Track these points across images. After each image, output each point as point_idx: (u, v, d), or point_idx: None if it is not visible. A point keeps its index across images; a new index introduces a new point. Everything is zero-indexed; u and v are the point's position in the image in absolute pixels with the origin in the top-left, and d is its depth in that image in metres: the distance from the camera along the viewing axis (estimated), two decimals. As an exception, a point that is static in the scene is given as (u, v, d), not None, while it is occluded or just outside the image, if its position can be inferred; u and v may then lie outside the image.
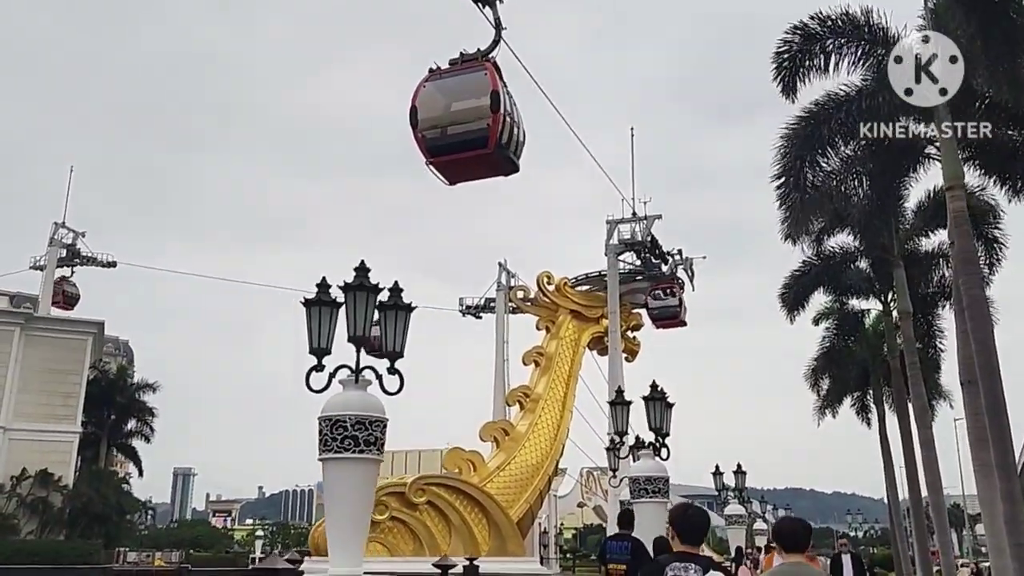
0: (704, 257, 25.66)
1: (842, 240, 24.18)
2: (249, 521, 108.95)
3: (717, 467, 27.56)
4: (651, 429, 15.19)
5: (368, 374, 9.73)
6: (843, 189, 17.88)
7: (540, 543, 30.98)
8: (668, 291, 25.63)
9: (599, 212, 25.60)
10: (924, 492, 24.73)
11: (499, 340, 29.09)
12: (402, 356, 9.84)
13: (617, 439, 16.21)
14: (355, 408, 9.55)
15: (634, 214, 24.08)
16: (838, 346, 29.26)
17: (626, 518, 9.38)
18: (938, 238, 24.09)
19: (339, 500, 9.79)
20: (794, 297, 25.06)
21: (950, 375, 29.85)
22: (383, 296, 10.01)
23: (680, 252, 24.87)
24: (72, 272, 38.76)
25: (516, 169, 12.43)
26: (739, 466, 27.68)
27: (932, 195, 21.15)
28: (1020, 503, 12.45)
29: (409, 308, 10.07)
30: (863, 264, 25.68)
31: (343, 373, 9.69)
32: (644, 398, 15.31)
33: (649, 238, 24.36)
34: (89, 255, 38.14)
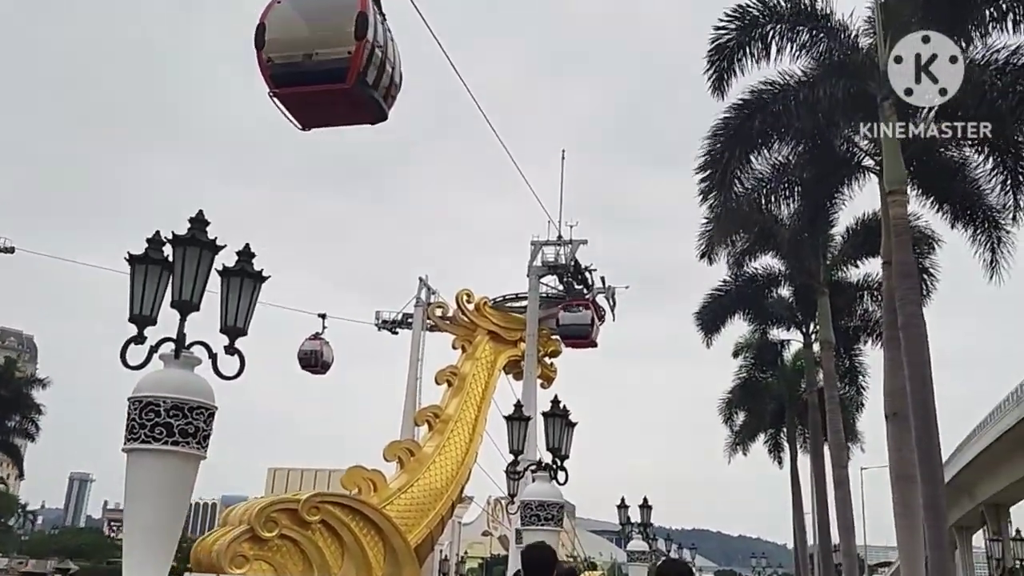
0: (627, 287, 25.33)
1: (766, 263, 23.91)
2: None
3: (623, 500, 26.52)
4: (549, 449, 14.41)
5: (199, 352, 8.14)
6: (771, 201, 17.25)
7: (440, 571, 30.22)
8: (581, 308, 24.77)
9: (527, 240, 24.78)
10: (834, 537, 24.54)
11: (414, 357, 28.33)
12: (244, 334, 8.24)
13: (513, 459, 15.42)
14: (172, 389, 7.86)
15: (559, 237, 23.68)
16: (755, 378, 28.88)
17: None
18: (864, 269, 24.12)
19: (142, 503, 8.02)
20: (712, 318, 24.58)
21: (865, 417, 30.00)
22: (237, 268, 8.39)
23: (603, 279, 24.58)
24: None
25: (384, 116, 10.28)
26: (645, 500, 26.72)
27: (862, 221, 20.98)
28: (948, 550, 11.75)
29: (259, 277, 8.42)
30: (785, 292, 25.45)
31: (168, 347, 8.02)
32: (544, 414, 14.50)
33: (573, 262, 23.87)
34: (-21, 238, 35.78)
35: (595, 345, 25.36)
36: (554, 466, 14.39)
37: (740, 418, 33.27)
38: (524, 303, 23.19)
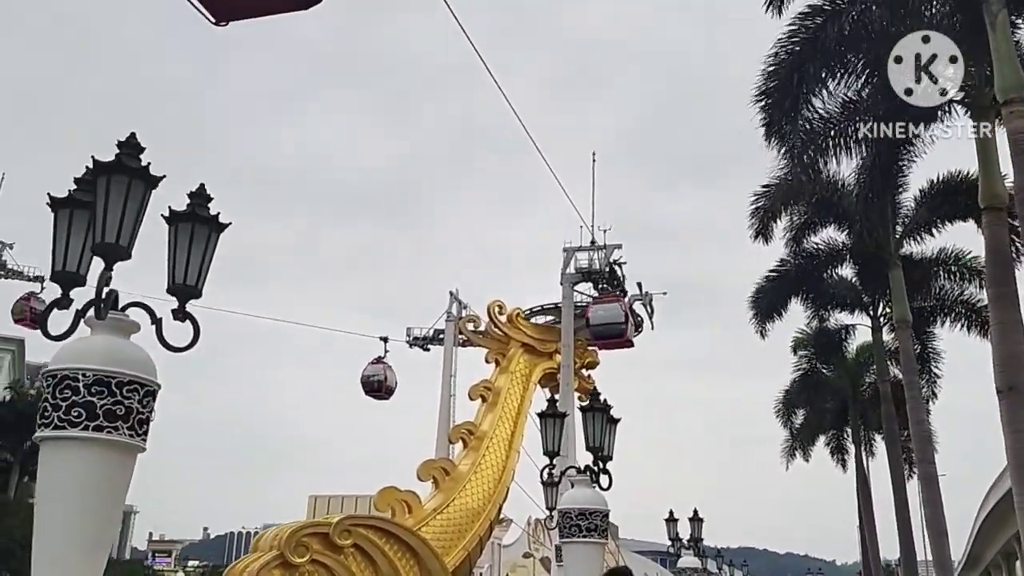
0: (665, 293, 24.10)
1: (827, 237, 21.92)
2: (194, 563, 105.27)
3: (671, 513, 24.67)
4: (589, 449, 12.62)
5: (139, 317, 6.41)
6: (837, 151, 15.48)
7: (480, 595, 29.45)
8: (613, 303, 23.09)
9: (557, 256, 23.63)
10: (923, 546, 22.27)
11: (446, 373, 27.73)
12: (197, 295, 6.61)
13: (549, 462, 13.78)
14: (97, 360, 6.09)
15: (592, 242, 22.84)
16: (816, 372, 26.83)
17: (622, 574, 9.55)
18: (937, 242, 21.75)
19: (54, 506, 6.05)
20: (768, 303, 22.63)
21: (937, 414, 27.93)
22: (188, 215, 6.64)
23: (640, 285, 23.55)
24: (42, 288, 35.19)
25: None
26: (695, 513, 24.85)
27: (940, 181, 19.27)
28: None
29: (217, 224, 6.76)
30: (848, 272, 23.41)
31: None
32: (582, 408, 12.90)
33: (607, 268, 22.94)
34: (16, 268, 35.54)
35: (631, 345, 23.66)
36: (596, 468, 12.63)
37: (799, 418, 31.15)
38: (559, 314, 22.35)
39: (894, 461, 24.04)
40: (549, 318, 22.70)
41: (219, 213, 6.87)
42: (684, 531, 23.81)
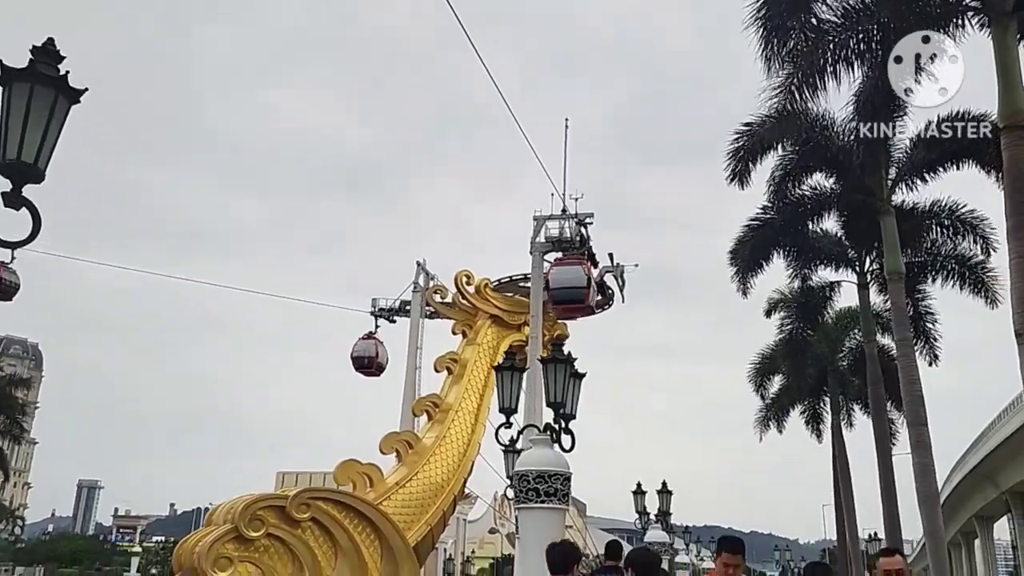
0: (636, 266, 23.30)
1: (816, 183, 20.07)
2: (158, 539, 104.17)
3: (639, 485, 23.89)
4: (550, 405, 11.32)
5: None
6: (832, 69, 14.50)
7: (444, 571, 28.95)
8: (574, 264, 21.11)
9: (527, 239, 22.32)
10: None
11: (412, 345, 27.13)
12: (38, 178, 5.41)
13: (505, 420, 11.99)
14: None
15: (564, 211, 22.06)
16: (797, 335, 25.52)
17: (613, 549, 8.79)
18: (931, 192, 20.07)
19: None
20: (750, 255, 21.23)
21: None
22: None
23: (611, 256, 22.81)
24: (12, 258, 33.43)
25: None
26: (664, 485, 23.93)
27: (940, 119, 18.00)
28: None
29: (66, 87, 5.41)
30: (832, 225, 21.75)
31: None
32: (543, 360, 11.57)
33: (579, 237, 22.16)
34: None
35: (591, 311, 22.24)
36: (557, 427, 11.28)
37: (774, 387, 29.96)
38: (528, 285, 21.65)
39: (880, 426, 22.53)
40: (521, 285, 22.07)
41: (68, 73, 5.43)
42: (652, 506, 23.43)
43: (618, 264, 22.19)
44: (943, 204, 20.20)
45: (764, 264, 21.50)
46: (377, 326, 29.80)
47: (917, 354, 20.79)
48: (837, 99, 18.90)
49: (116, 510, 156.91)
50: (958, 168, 18.49)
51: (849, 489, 28.70)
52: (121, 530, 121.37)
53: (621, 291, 22.52)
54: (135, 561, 37.28)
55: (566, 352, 11.77)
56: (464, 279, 20.43)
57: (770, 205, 20.16)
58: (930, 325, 23.11)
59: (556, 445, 11.22)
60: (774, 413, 30.42)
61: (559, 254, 22.15)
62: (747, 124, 17.55)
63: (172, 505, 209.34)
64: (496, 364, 13.12)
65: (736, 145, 17.62)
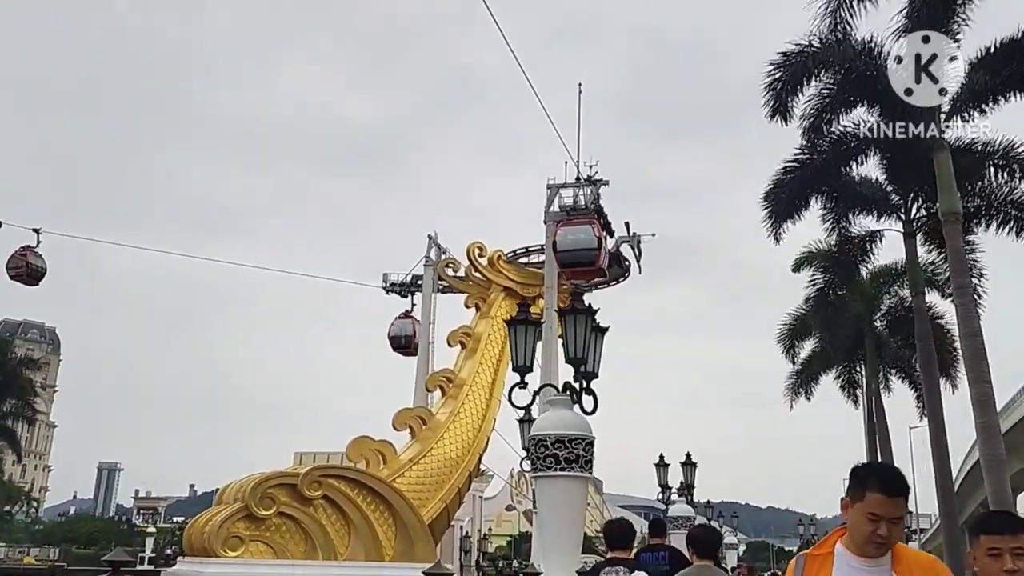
0: (654, 235, 22.60)
1: (857, 118, 18.39)
2: (179, 519, 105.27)
3: (661, 457, 22.37)
4: (569, 361, 10.16)
5: None
6: None
7: (461, 548, 28.71)
8: (584, 224, 19.84)
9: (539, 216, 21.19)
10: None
11: (425, 321, 26.75)
12: None
13: (519, 381, 10.78)
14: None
15: (578, 178, 21.38)
16: (830, 292, 24.02)
17: (657, 527, 8.46)
18: (988, 126, 17.98)
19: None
20: (786, 199, 19.82)
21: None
22: None
23: (628, 225, 22.09)
24: (38, 242, 32.89)
25: None
26: (688, 457, 22.38)
27: (999, 44, 16.75)
28: None
29: None
30: (872, 170, 19.42)
31: None
32: (561, 312, 10.53)
33: (594, 205, 21.42)
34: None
35: (603, 274, 20.94)
36: (576, 386, 10.13)
37: (806, 348, 28.34)
38: (543, 258, 21.07)
39: (931, 387, 20.51)
40: (533, 259, 21.50)
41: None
42: (673, 480, 22.75)
43: (634, 234, 21.46)
44: (996, 144, 18.50)
45: (802, 209, 19.80)
46: (413, 304, 29.08)
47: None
48: (883, 21, 17.22)
49: (137, 492, 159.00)
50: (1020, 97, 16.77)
51: (890, 458, 27.26)
52: (142, 511, 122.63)
53: (638, 261, 21.86)
54: (150, 541, 37.31)
55: (587, 304, 10.78)
56: (477, 251, 19.92)
57: (808, 144, 18.45)
58: (976, 280, 20.63)
59: (576, 406, 10.08)
60: (804, 380, 29.04)
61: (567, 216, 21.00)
62: (784, 54, 16.37)
63: (192, 486, 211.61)
64: (509, 319, 11.68)
65: (774, 77, 16.52)
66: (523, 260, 21.57)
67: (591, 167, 21.09)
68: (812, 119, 17.75)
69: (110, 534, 42.18)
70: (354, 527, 15.04)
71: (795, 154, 18.56)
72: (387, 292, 29.34)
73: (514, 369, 10.97)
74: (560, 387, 10.56)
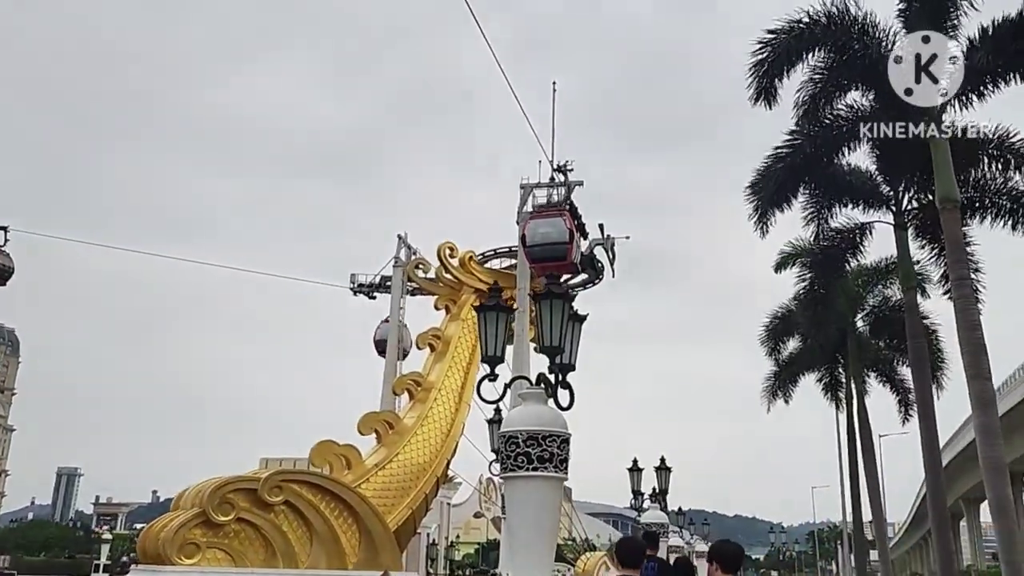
0: (628, 238, 22.30)
1: (852, 101, 17.58)
2: (140, 525, 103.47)
3: (635, 462, 21.54)
4: (544, 350, 9.28)
5: None
6: None
7: (428, 556, 28.17)
8: (555, 217, 18.84)
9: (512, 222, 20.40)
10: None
11: (393, 323, 26.20)
12: None
13: (489, 373, 9.98)
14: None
15: (552, 179, 20.94)
16: (817, 289, 21.52)
17: (651, 538, 8.62)
18: (986, 111, 17.17)
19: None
20: (774, 189, 17.74)
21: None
22: None
23: (602, 227, 21.68)
24: (6, 240, 31.69)
25: None
26: (663, 461, 21.49)
27: (1001, 22, 14.96)
28: None
29: None
30: (860, 160, 18.67)
31: None
32: (535, 296, 9.51)
33: (568, 206, 20.93)
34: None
35: (575, 269, 20.08)
36: (552, 377, 9.26)
37: (788, 348, 27.69)
38: (515, 260, 20.61)
39: (923, 385, 19.80)
40: (505, 263, 21.04)
41: None
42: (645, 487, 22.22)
43: (608, 236, 21.00)
44: (990, 133, 17.83)
45: (791, 199, 18.96)
46: (401, 307, 28.17)
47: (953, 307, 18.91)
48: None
49: (97, 498, 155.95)
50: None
51: (873, 463, 26.43)
52: (102, 518, 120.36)
53: (611, 265, 21.49)
54: (104, 548, 36.41)
55: (565, 287, 10.17)
56: (448, 252, 19.43)
57: (798, 129, 17.63)
58: (973, 275, 19.76)
59: (551, 400, 9.25)
60: (783, 382, 28.57)
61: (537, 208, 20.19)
62: (772, 32, 15.77)
63: (155, 492, 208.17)
64: (479, 305, 10.77)
65: (760, 57, 15.85)
66: (495, 263, 21.13)
67: (565, 163, 20.46)
68: (805, 105, 17.07)
69: (65, 541, 41.09)
70: (316, 534, 14.53)
71: (785, 140, 17.85)
72: (355, 293, 28.77)
73: (483, 360, 10.16)
74: (533, 380, 9.70)
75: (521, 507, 9.09)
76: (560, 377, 9.24)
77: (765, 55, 16.01)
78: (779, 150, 18.00)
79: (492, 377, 10.19)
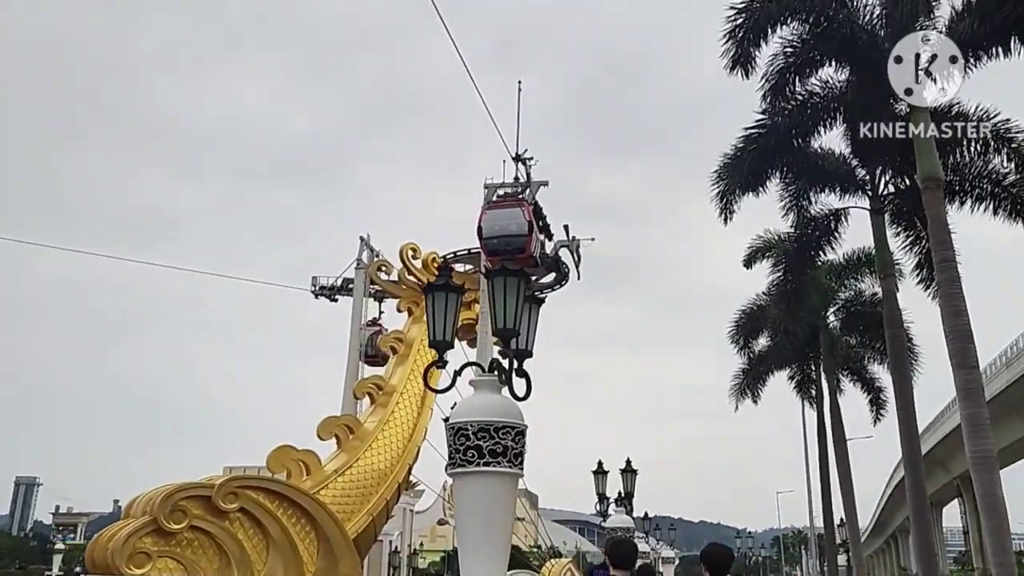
0: (593, 239, 22.02)
1: (825, 76, 16.91)
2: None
3: (600, 464, 20.71)
4: (497, 333, 8.42)
5: None
6: None
7: (390, 564, 27.71)
8: (513, 207, 17.65)
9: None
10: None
11: (355, 326, 25.82)
12: None
13: (437, 359, 9.30)
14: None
15: (516, 179, 20.54)
16: (789, 281, 20.91)
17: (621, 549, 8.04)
18: (973, 87, 17.87)
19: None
20: (747, 172, 17.22)
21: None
22: None
23: (567, 228, 21.32)
24: None
25: None
26: (628, 463, 20.82)
27: None
28: None
29: None
30: (834, 143, 18.09)
31: None
32: (487, 275, 8.83)
33: (525, 197, 20.31)
34: None
35: (536, 264, 19.00)
36: (506, 362, 8.44)
37: (758, 346, 27.30)
38: (477, 258, 20.31)
39: (902, 375, 19.09)
40: (468, 267, 20.73)
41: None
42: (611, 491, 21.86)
43: (574, 237, 20.60)
44: (972, 113, 17.22)
45: (765, 183, 18.22)
46: (381, 311, 27.25)
47: (928, 297, 18.33)
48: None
49: (57, 507, 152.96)
50: (1009, 53, 15.05)
51: (846, 464, 25.93)
52: (62, 528, 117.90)
53: (577, 267, 21.14)
54: (57, 559, 35.46)
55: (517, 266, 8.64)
56: (410, 253, 19.05)
57: (770, 108, 17.05)
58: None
59: (505, 389, 8.40)
60: (751, 380, 28.28)
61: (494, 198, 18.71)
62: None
63: (116, 501, 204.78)
64: (428, 283, 9.89)
65: (735, 24, 15.51)
66: (458, 266, 20.81)
67: (524, 151, 19.79)
68: (773, 80, 16.66)
69: (17, 552, 39.99)
70: (273, 542, 14.15)
71: (757, 120, 17.35)
72: (316, 296, 28.32)
73: (431, 344, 9.31)
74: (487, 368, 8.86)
75: (471, 506, 8.36)
76: (516, 364, 8.38)
77: (740, 20, 15.59)
78: (751, 131, 17.51)
79: (440, 364, 9.50)
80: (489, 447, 7.91)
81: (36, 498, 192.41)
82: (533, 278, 20.56)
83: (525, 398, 8.37)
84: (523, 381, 8.36)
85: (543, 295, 22.01)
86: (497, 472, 7.98)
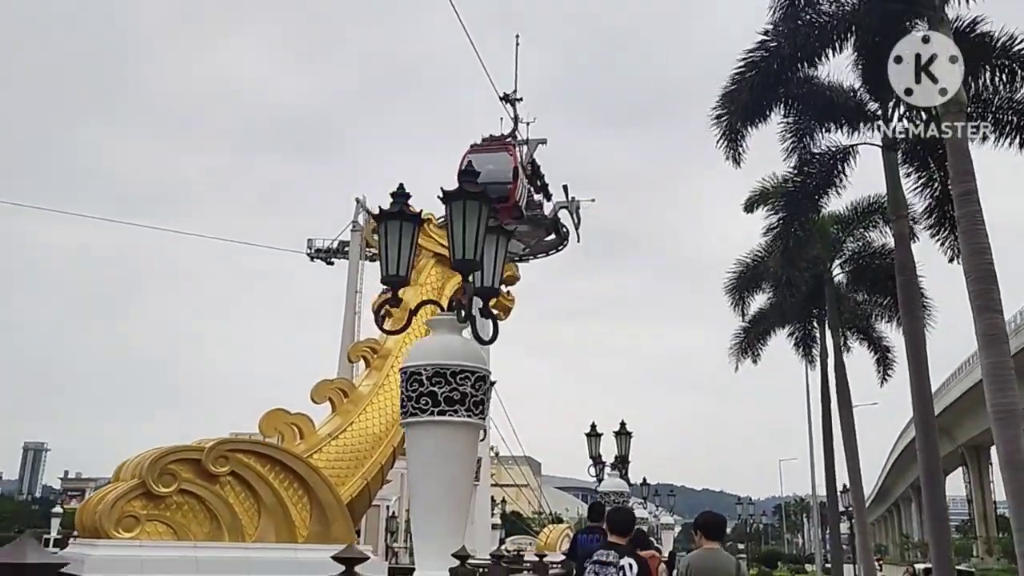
0: (593, 200, 21.25)
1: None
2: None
3: (593, 427, 20.10)
4: (456, 266, 7.37)
5: None
6: None
7: (387, 529, 27.65)
8: (499, 150, 16.65)
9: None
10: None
11: (351, 289, 25.48)
12: None
13: (388, 298, 8.60)
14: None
15: (514, 136, 19.88)
16: (793, 227, 18.59)
17: (597, 511, 9.17)
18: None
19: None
20: (748, 100, 15.58)
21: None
22: None
23: (566, 188, 20.71)
24: None
25: None
26: (623, 425, 19.96)
27: None
28: None
29: None
30: (841, 73, 16.53)
31: None
32: (444, 195, 7.20)
33: (530, 164, 19.54)
34: None
35: (520, 215, 17.96)
36: (471, 304, 7.50)
37: (756, 302, 26.10)
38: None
39: (912, 327, 17.52)
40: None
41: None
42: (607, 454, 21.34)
43: (573, 198, 19.92)
44: (995, 39, 15.49)
45: (769, 113, 16.74)
46: (358, 266, 26.84)
47: (939, 247, 17.02)
48: None
49: (66, 472, 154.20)
50: None
51: (851, 428, 24.95)
52: (70, 493, 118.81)
53: (576, 229, 20.50)
54: (55, 522, 35.47)
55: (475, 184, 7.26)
56: (405, 214, 18.66)
57: (778, 28, 15.51)
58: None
59: (467, 332, 7.47)
60: (752, 339, 27.30)
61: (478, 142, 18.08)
62: None
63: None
64: (379, 212, 8.69)
65: None
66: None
67: (527, 124, 19.06)
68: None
69: (20, 516, 40.19)
70: (264, 506, 13.95)
71: (759, 41, 15.88)
72: (312, 259, 27.93)
73: (383, 281, 8.32)
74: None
75: (426, 461, 7.48)
76: (482, 302, 7.42)
77: None
78: (751, 54, 15.87)
79: (394, 302, 8.63)
80: (445, 394, 7.06)
81: (44, 463, 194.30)
82: (533, 240, 20.07)
83: (491, 342, 7.51)
84: (489, 322, 7.43)
85: (527, 252, 21.09)
86: (454, 422, 7.12)
